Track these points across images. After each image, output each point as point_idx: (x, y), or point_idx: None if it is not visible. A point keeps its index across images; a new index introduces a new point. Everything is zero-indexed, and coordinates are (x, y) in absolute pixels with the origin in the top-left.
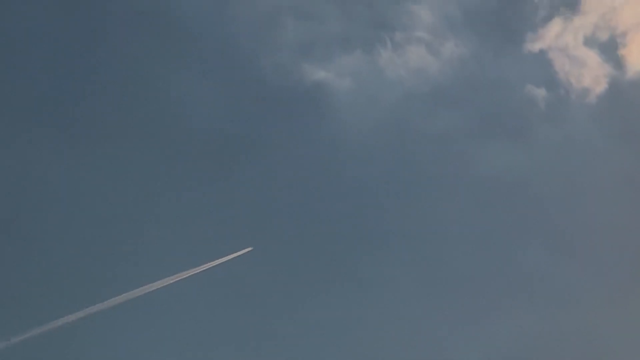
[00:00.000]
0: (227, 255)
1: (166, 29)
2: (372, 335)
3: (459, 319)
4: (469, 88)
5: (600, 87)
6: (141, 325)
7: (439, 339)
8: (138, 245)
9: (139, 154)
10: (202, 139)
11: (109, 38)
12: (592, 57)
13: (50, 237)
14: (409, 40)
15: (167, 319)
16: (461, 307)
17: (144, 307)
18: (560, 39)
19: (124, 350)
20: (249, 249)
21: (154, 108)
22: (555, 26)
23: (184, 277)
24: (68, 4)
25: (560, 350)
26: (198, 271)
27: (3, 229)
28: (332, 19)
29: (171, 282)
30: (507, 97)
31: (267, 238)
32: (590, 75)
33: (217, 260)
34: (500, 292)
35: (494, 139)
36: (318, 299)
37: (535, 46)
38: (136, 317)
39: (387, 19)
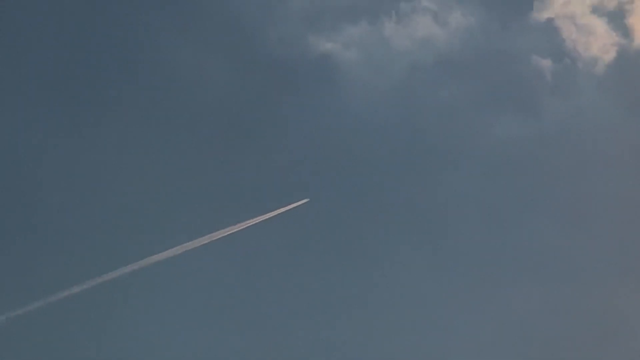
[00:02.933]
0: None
1: (171, 1)
2: (380, 308)
3: (468, 292)
4: (476, 58)
5: (609, 56)
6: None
7: (448, 313)
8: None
9: (157, 125)
10: (212, 111)
11: (115, 11)
12: (600, 26)
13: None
14: (415, 10)
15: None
16: (470, 281)
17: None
18: (567, 7)
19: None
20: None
21: (161, 81)
22: None
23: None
24: None
25: (570, 326)
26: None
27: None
28: None
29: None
30: (515, 67)
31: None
32: (598, 44)
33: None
34: (508, 266)
35: (502, 109)
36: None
37: (543, 15)
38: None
39: None
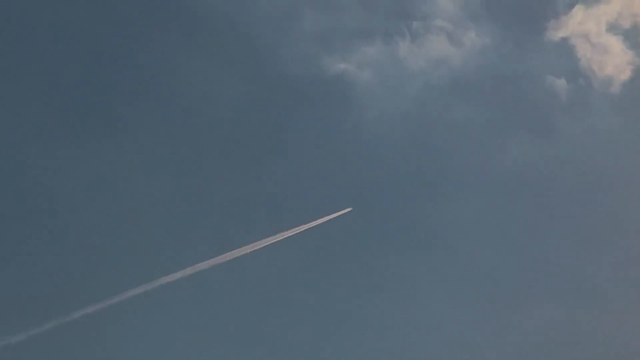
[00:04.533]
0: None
1: (186, 22)
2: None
3: (483, 312)
4: (490, 79)
5: (624, 75)
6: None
7: (464, 332)
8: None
9: (174, 144)
10: (226, 131)
11: (130, 32)
12: (615, 45)
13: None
14: (429, 30)
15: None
16: (484, 300)
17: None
18: (582, 26)
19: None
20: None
21: (175, 101)
22: (577, 13)
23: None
24: None
25: (583, 347)
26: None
27: (8, 224)
28: (352, 9)
29: (273, 241)
30: (530, 87)
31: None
32: (613, 63)
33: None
34: (522, 286)
35: (516, 130)
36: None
37: (558, 34)
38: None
39: (407, 9)
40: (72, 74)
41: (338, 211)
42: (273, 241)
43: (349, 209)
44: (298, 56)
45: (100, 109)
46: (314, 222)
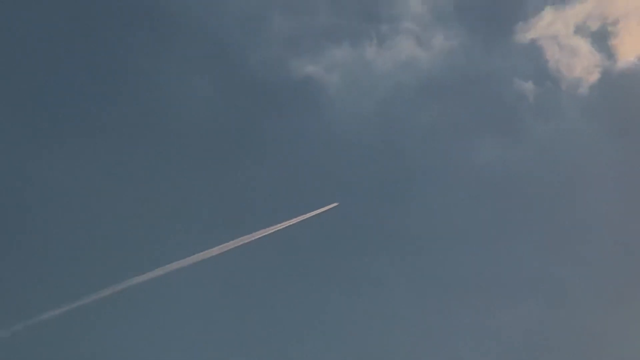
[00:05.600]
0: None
1: (154, 24)
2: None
3: (454, 315)
4: (458, 81)
5: (592, 77)
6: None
7: (435, 335)
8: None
9: (143, 148)
10: (195, 134)
11: (98, 34)
12: (584, 47)
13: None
14: (397, 32)
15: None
16: (455, 303)
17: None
18: (550, 28)
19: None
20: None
21: (144, 104)
22: (546, 15)
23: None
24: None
25: (557, 349)
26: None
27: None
28: (320, 12)
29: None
30: (498, 90)
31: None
32: (581, 65)
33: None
34: (493, 289)
35: (485, 132)
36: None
37: (526, 36)
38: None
39: (375, 11)
40: (42, 75)
41: (308, 212)
42: (243, 242)
43: (326, 207)
44: (266, 59)
45: (71, 109)
46: (281, 224)
